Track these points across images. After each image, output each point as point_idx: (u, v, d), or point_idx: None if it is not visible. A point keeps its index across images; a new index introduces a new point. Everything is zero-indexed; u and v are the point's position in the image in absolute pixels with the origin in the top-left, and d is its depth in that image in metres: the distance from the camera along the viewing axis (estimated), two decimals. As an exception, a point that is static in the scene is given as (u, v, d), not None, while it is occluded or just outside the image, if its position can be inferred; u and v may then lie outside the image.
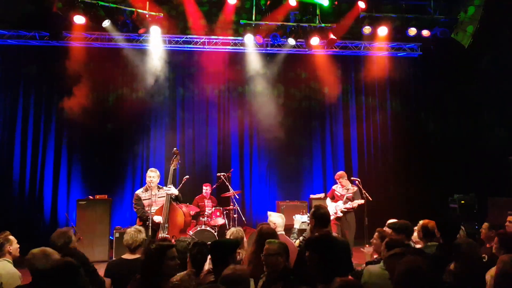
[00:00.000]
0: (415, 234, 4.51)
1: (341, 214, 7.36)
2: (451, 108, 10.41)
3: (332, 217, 7.17)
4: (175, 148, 6.30)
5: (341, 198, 7.45)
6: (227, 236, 4.47)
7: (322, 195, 9.25)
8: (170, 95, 9.88)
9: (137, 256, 3.91)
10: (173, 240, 5.53)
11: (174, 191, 5.93)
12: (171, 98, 9.89)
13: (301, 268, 3.24)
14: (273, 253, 3.18)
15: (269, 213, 4.93)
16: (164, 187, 6.00)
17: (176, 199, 5.99)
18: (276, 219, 4.72)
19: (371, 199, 7.38)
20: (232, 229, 4.51)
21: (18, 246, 3.93)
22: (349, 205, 7.33)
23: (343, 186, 7.56)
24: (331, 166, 10.23)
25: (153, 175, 5.99)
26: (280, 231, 4.65)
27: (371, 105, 10.59)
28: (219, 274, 2.77)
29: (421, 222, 4.51)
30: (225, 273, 2.67)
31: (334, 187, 7.77)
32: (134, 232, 3.98)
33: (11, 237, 3.89)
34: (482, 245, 4.77)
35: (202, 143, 9.95)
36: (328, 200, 7.69)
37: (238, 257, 3.89)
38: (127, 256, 3.98)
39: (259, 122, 10.12)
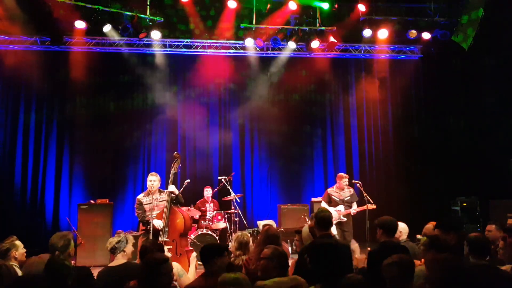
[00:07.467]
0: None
1: (345, 219, 7.25)
2: (452, 110, 10.38)
3: (335, 222, 7.10)
4: (175, 152, 6.29)
5: (340, 203, 7.36)
6: (232, 241, 4.43)
7: (323, 198, 9.20)
8: (170, 99, 9.86)
9: (121, 261, 3.90)
10: (173, 244, 5.54)
11: (174, 189, 5.87)
12: (172, 102, 9.88)
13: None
14: (264, 257, 3.12)
15: (258, 222, 4.89)
16: (166, 190, 5.97)
17: (177, 201, 5.95)
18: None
19: (372, 202, 7.30)
20: (238, 233, 4.48)
21: (25, 251, 3.94)
22: (348, 211, 7.27)
23: (342, 188, 7.46)
24: (332, 169, 10.21)
25: (153, 179, 5.96)
26: None
27: (372, 108, 10.57)
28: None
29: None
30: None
31: (329, 190, 7.57)
32: (112, 238, 4.09)
33: (17, 242, 3.91)
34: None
35: (203, 147, 9.94)
36: (323, 204, 7.42)
37: (238, 261, 3.88)
38: (112, 263, 3.98)
39: (260, 125, 10.14)
